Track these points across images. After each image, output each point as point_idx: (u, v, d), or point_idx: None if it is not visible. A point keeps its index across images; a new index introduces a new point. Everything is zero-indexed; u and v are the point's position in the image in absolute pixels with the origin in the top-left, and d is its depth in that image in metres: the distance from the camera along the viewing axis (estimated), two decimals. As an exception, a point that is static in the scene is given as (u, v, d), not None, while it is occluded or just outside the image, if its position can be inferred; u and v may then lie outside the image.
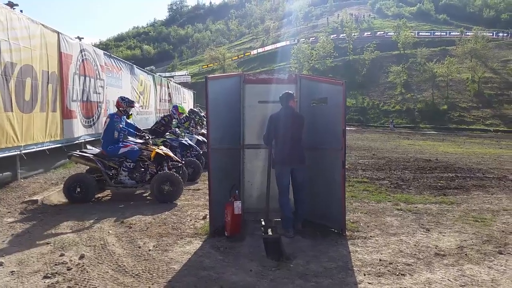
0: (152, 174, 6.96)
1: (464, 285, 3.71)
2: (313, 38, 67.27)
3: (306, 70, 52.31)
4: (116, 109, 7.34)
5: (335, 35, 67.02)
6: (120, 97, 7.49)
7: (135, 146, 6.95)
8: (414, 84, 48.59)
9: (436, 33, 65.74)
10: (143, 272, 3.81)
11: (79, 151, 7.16)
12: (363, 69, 53.85)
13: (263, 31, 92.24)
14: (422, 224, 5.64)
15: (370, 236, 5.08)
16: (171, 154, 7.34)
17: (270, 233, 5.14)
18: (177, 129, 9.82)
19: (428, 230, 5.36)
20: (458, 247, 4.72)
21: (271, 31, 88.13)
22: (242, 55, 75.67)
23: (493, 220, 5.99)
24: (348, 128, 20.17)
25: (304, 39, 66.37)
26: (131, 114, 7.85)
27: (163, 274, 3.78)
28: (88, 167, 7.17)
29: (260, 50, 75.40)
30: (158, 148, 7.19)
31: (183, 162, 7.97)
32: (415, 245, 4.77)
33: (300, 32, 78.99)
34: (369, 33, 67.42)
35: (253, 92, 5.63)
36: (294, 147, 5.07)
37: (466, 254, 4.49)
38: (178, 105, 11.74)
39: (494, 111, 41.55)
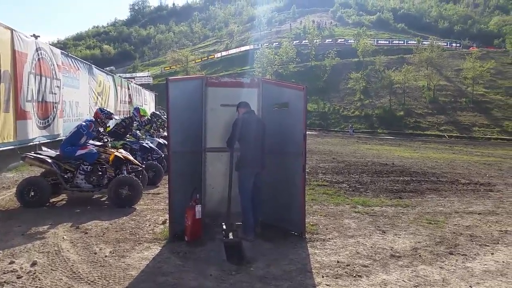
0: (110, 178, 6.72)
1: (418, 285, 3.85)
2: (277, 43, 67.97)
3: (269, 75, 52.71)
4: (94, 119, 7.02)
5: (297, 41, 68.09)
6: (99, 108, 7.33)
7: (93, 148, 6.71)
8: (372, 90, 50.15)
9: (394, 42, 68.26)
10: (99, 278, 3.68)
11: (34, 153, 6.83)
12: (324, 75, 54.94)
13: (227, 34, 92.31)
14: (379, 227, 5.82)
15: (329, 238, 5.18)
16: (130, 157, 7.15)
17: (231, 237, 5.12)
18: (138, 132, 9.60)
19: (384, 232, 5.53)
20: (413, 249, 4.90)
21: (235, 34, 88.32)
22: (206, 58, 75.23)
23: (446, 222, 6.27)
24: (309, 133, 20.52)
25: (267, 44, 66.92)
26: (109, 126, 7.59)
27: (119, 280, 3.67)
28: (43, 170, 6.85)
29: (224, 53, 75.26)
30: (117, 151, 6.99)
31: (143, 166, 7.79)
32: (371, 247, 4.91)
33: (263, 37, 79.60)
34: (330, 40, 69.00)
35: (216, 95, 5.61)
36: (258, 151, 5.15)
37: (420, 255, 4.67)
38: (139, 107, 11.49)
39: (448, 117, 43.54)
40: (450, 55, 56.38)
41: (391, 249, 4.84)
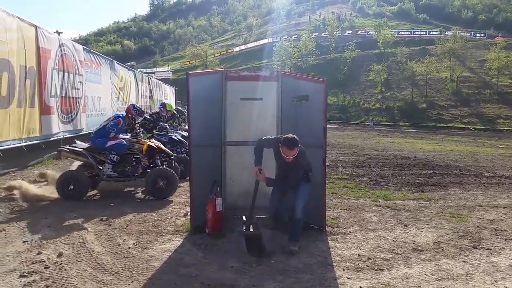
0: (144, 168, 6.93)
1: (440, 279, 3.80)
2: (296, 36, 67.51)
3: (288, 68, 52.50)
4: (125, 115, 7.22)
5: (317, 33, 67.44)
6: (132, 104, 7.53)
7: (123, 140, 6.88)
8: (394, 82, 49.36)
9: (416, 33, 66.84)
10: (122, 270, 3.77)
11: (69, 146, 7.04)
12: (344, 67, 54.36)
13: (246, 28, 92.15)
14: (400, 220, 5.75)
15: (350, 232, 5.15)
16: (162, 147, 7.33)
17: (251, 229, 5.15)
18: (166, 125, 9.71)
19: (406, 226, 5.47)
20: (435, 242, 4.83)
21: (254, 28, 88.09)
22: (225, 52, 75.38)
23: (469, 216, 6.15)
24: (329, 126, 20.37)
25: (286, 37, 66.55)
26: (138, 123, 7.75)
27: (142, 271, 3.75)
28: (79, 164, 7.05)
29: (242, 47, 75.25)
30: (150, 141, 7.17)
31: (175, 155, 7.87)
32: (393, 240, 4.86)
33: (282, 30, 79.13)
34: (350, 31, 68.07)
35: (235, 89, 5.62)
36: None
37: (442, 249, 4.60)
38: (166, 102, 11.66)
39: (472, 109, 42.58)
40: (473, 46, 54.86)
41: (413, 243, 4.78)
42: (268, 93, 5.58)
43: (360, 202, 6.85)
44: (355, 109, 47.41)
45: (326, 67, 54.71)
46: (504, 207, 6.81)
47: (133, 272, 3.74)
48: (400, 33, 65.45)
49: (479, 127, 38.56)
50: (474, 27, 70.86)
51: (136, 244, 4.46)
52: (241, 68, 51.68)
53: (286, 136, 4.44)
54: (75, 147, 6.91)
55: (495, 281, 3.80)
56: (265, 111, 5.71)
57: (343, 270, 3.94)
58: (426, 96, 45.94)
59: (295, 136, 4.42)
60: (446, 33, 58.64)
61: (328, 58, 58.81)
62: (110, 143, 6.74)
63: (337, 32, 63.25)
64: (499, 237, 5.14)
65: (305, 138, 5.36)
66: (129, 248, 4.34)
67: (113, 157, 6.74)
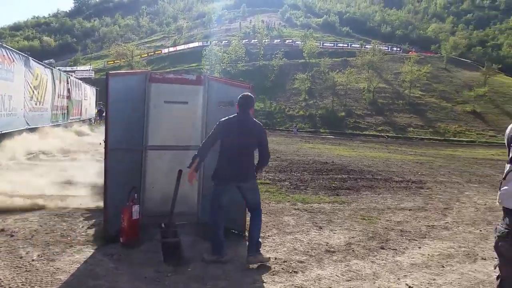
0: None
1: (350, 280, 4.03)
2: (226, 41, 67.83)
3: (217, 73, 52.52)
4: None
5: (247, 40, 68.30)
6: None
7: None
8: (316, 91, 51.71)
9: (339, 45, 70.67)
10: (22, 285, 3.46)
11: None
12: (272, 74, 55.70)
13: (176, 30, 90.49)
14: (316, 223, 6.01)
15: (268, 236, 5.26)
16: None
17: (169, 237, 5.03)
18: None
19: (321, 228, 5.72)
20: (347, 244, 5.12)
21: (184, 31, 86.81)
22: (153, 53, 73.21)
23: (378, 218, 6.61)
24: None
25: (216, 42, 66.59)
26: None
27: (46, 285, 3.48)
28: None
29: (171, 49, 73.73)
30: None
31: None
32: (308, 243, 5.06)
33: (213, 35, 79.05)
34: (278, 40, 70.02)
35: (159, 92, 5.44)
36: (243, 161, 4.38)
37: (353, 250, 4.88)
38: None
39: (386, 118, 45.94)
40: (390, 59, 59.46)
41: (327, 245, 5.02)
42: (194, 97, 5.51)
43: (280, 206, 7.03)
44: (280, 115, 48.78)
45: (255, 74, 55.63)
46: (409, 210, 7.42)
47: (35, 286, 3.45)
48: (325, 44, 68.75)
49: (392, 134, 41.71)
50: (391, 42, 76.84)
51: (41, 256, 4.12)
52: (169, 71, 50.64)
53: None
54: None
55: (398, 279, 4.11)
56: (191, 116, 5.60)
57: (260, 274, 4.01)
58: (345, 105, 48.73)
59: None
60: (366, 46, 62.70)
61: (257, 65, 59.87)
62: None
63: (266, 40, 64.67)
64: (404, 237, 5.59)
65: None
66: (32, 260, 4.00)
67: None
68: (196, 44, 71.68)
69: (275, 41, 69.09)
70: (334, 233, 5.57)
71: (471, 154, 23.83)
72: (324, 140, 32.21)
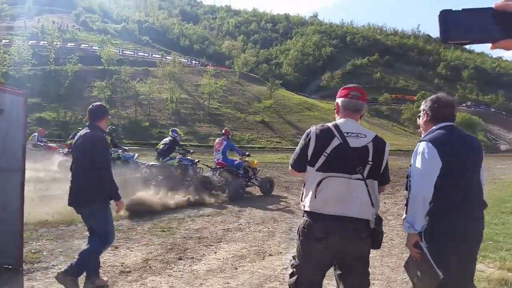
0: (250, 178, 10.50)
1: (145, 299, 3.80)
2: (7, 41, 58.04)
3: (-3, 76, 44.37)
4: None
5: (34, 41, 60.06)
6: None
7: None
8: (118, 100, 49.55)
9: (139, 53, 69.72)
10: None
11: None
12: (65, 81, 50.54)
13: None
14: (112, 243, 5.54)
15: (53, 265, 4.56)
16: None
17: None
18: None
19: (117, 248, 5.30)
20: (144, 260, 4.87)
21: None
22: None
23: (178, 228, 6.59)
24: (51, 144, 18.37)
25: (-7, 40, 56.36)
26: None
27: None
28: None
29: None
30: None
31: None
32: (101, 266, 4.59)
33: (-13, 31, 66.69)
34: (73, 44, 64.33)
35: None
36: (79, 182, 3.99)
37: (150, 266, 4.66)
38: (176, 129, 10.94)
39: (189, 128, 47.49)
40: (190, 71, 62.08)
41: (122, 265, 4.66)
42: None
43: (70, 229, 6.24)
44: (77, 126, 44.60)
45: (45, 79, 49.37)
46: (208, 215, 7.68)
47: None
48: (124, 52, 66.75)
49: (195, 144, 43.42)
50: (190, 55, 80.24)
51: None
52: None
53: None
54: None
55: (194, 288, 4.10)
56: None
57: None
58: (149, 115, 48.29)
59: None
60: (167, 57, 63.69)
61: (48, 70, 53.30)
62: (236, 161, 10.12)
63: (58, 43, 58.26)
64: (201, 244, 5.69)
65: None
66: None
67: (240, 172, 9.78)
68: (-35, 40, 59.02)
69: (69, 44, 63.23)
70: (131, 251, 5.24)
71: (263, 159, 26.77)
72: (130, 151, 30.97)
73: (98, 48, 59.81)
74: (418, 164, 2.52)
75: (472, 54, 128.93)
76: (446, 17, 0.93)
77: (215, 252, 5.33)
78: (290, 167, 2.70)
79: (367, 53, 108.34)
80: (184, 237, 6.01)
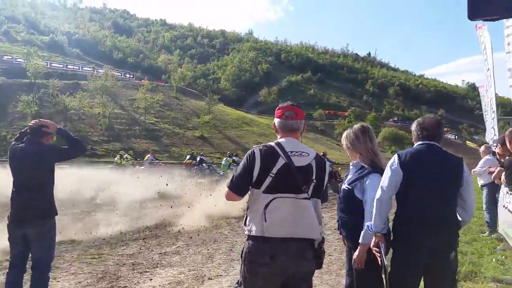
0: None
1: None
2: None
3: None
4: None
5: None
6: None
7: None
8: (46, 115, 46.40)
9: (68, 66, 66.21)
10: None
11: None
12: (-15, 95, 46.55)
13: None
14: (34, 275, 5.07)
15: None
16: None
17: None
18: None
19: (41, 280, 4.85)
20: (72, 292, 4.50)
21: None
22: None
23: (110, 254, 6.19)
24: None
25: None
26: None
27: None
28: None
29: None
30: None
31: None
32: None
33: None
34: (-6, 55, 59.61)
35: None
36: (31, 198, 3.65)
37: (78, 299, 4.32)
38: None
39: (124, 144, 45.62)
40: (124, 85, 59.98)
41: (46, 300, 4.25)
42: None
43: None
44: (1, 143, 41.13)
45: (-40, 93, 45.16)
46: (143, 239, 7.31)
47: None
48: (53, 65, 63.06)
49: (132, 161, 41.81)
50: (124, 68, 77.63)
51: None
52: None
53: None
54: None
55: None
56: None
57: None
58: (80, 131, 45.80)
59: None
60: (99, 70, 61.06)
61: (-38, 82, 48.82)
62: None
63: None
64: (136, 271, 5.36)
65: None
66: None
67: None
68: None
69: (-12, 56, 58.49)
70: (57, 281, 4.82)
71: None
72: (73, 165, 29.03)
73: (23, 60, 55.92)
74: (385, 171, 2.83)
75: (397, 72, 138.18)
76: None
77: (151, 279, 5.04)
78: (228, 190, 2.55)
79: (301, 71, 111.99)
80: (117, 264, 5.65)
